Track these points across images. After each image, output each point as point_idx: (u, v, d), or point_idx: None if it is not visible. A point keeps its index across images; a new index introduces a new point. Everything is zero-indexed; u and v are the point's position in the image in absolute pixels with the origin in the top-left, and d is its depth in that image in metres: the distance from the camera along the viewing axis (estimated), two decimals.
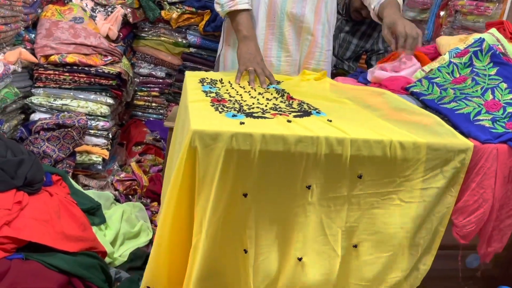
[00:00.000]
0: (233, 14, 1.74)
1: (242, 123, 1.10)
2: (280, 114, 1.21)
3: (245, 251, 1.13)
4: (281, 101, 1.38)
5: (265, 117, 1.18)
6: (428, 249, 1.28)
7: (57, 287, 1.32)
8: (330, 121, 1.19)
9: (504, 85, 1.31)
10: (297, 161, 1.09)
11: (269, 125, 1.12)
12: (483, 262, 1.46)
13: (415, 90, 1.43)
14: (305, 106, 1.34)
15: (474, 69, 1.40)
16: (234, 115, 1.16)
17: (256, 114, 1.19)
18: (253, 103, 1.32)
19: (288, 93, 1.47)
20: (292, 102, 1.37)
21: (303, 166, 1.10)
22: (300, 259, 1.17)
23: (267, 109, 1.26)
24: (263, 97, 1.42)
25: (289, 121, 1.15)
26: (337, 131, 1.13)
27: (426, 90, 1.41)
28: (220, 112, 1.19)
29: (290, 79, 1.72)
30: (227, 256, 1.15)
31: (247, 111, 1.23)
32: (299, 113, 1.24)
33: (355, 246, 1.21)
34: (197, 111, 1.19)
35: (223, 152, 1.04)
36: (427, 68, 1.51)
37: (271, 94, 1.46)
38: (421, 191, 1.20)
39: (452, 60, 1.45)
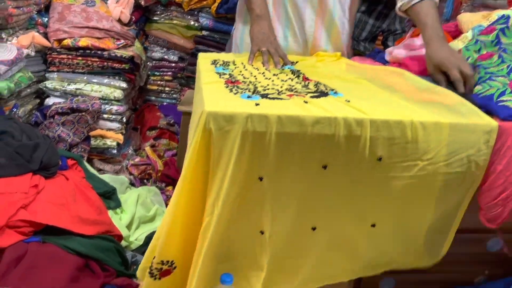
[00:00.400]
0: None
1: (257, 104, 1.07)
2: (297, 95, 1.18)
3: (262, 233, 1.12)
4: (297, 82, 1.35)
5: (281, 98, 1.15)
6: (445, 232, 1.25)
7: (74, 270, 1.32)
8: (348, 101, 1.16)
9: None
10: (314, 143, 1.07)
11: (285, 106, 1.09)
12: (504, 246, 1.43)
13: None
14: (321, 86, 1.30)
15: (501, 45, 1.34)
16: (249, 96, 1.13)
17: (271, 95, 1.16)
18: (268, 84, 1.29)
19: (303, 74, 1.43)
20: (308, 83, 1.34)
21: (320, 148, 1.07)
22: (314, 229, 1.16)
23: (282, 90, 1.23)
24: (278, 78, 1.39)
25: (305, 102, 1.12)
26: (356, 111, 1.09)
27: None
28: (234, 94, 1.16)
29: (305, 60, 1.68)
30: (242, 238, 1.14)
31: (262, 92, 1.20)
32: (315, 94, 1.21)
33: (373, 225, 1.18)
34: (211, 92, 1.17)
35: (239, 134, 1.02)
36: (452, 45, 1.45)
37: (286, 75, 1.42)
38: (444, 175, 1.16)
39: (477, 38, 1.39)
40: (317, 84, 1.33)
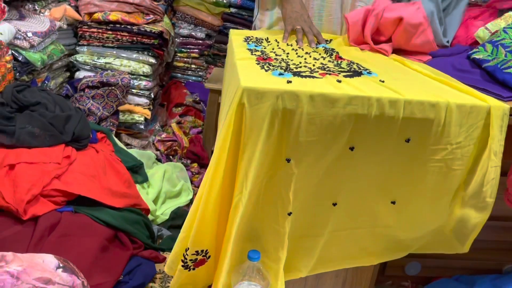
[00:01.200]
0: None
1: (289, 81, 1.05)
2: (329, 74, 1.15)
3: (289, 214, 1.12)
4: (329, 61, 1.32)
5: (313, 77, 1.12)
6: (477, 208, 1.20)
7: (104, 240, 1.35)
8: (383, 81, 1.13)
9: None
10: (344, 123, 1.04)
11: (318, 84, 1.06)
12: None
13: (477, 57, 1.31)
14: (354, 66, 1.27)
15: None
16: (280, 74, 1.11)
17: (304, 74, 1.14)
18: (300, 62, 1.27)
19: (337, 53, 1.40)
20: (341, 62, 1.31)
21: (350, 129, 1.05)
22: (335, 204, 1.16)
23: (314, 69, 1.21)
24: (310, 56, 1.36)
25: (339, 81, 1.10)
26: (390, 91, 1.06)
27: (490, 55, 1.29)
28: (266, 71, 1.14)
29: (338, 38, 1.65)
30: (268, 218, 1.14)
31: (294, 70, 1.17)
32: (349, 73, 1.18)
33: (393, 202, 1.17)
34: (245, 68, 1.15)
35: (269, 111, 0.99)
36: (491, 26, 1.39)
37: (319, 53, 1.40)
38: (473, 159, 1.14)
39: None
40: (350, 63, 1.30)
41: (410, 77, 1.25)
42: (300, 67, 1.22)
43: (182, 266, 1.12)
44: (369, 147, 1.08)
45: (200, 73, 3.17)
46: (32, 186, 1.31)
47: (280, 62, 1.24)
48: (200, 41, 3.06)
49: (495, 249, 1.52)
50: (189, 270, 1.13)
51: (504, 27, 1.35)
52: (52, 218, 1.31)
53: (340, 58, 1.36)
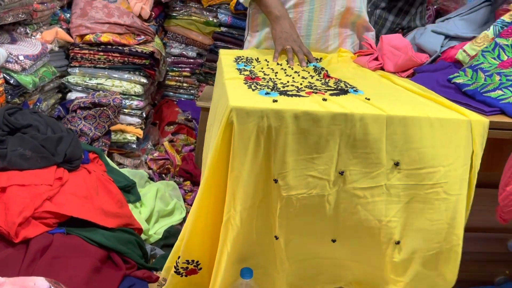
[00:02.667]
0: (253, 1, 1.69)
1: (275, 100, 1.06)
2: (316, 93, 1.17)
3: (276, 238, 1.11)
4: (317, 79, 1.34)
5: (299, 95, 1.14)
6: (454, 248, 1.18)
7: (97, 261, 1.35)
8: (368, 99, 1.14)
9: None
10: (330, 143, 1.04)
11: (303, 103, 1.08)
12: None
13: (457, 81, 1.33)
14: (342, 84, 1.29)
15: None
16: (267, 93, 1.12)
17: (290, 92, 1.15)
18: (288, 81, 1.29)
19: (326, 71, 1.43)
20: (329, 80, 1.33)
21: (337, 149, 1.05)
22: (334, 241, 1.14)
23: (302, 87, 1.23)
24: (299, 75, 1.38)
25: (324, 99, 1.11)
26: (374, 109, 1.07)
27: (470, 79, 1.31)
28: (253, 90, 1.16)
29: (327, 56, 1.68)
30: (260, 239, 1.13)
31: (281, 89, 1.19)
32: (335, 91, 1.20)
33: (398, 242, 1.12)
34: (233, 88, 1.17)
35: (255, 130, 1.00)
36: (469, 49, 1.42)
37: (308, 72, 1.42)
38: (467, 180, 1.13)
39: (498, 41, 1.35)
40: (337, 82, 1.32)
41: (396, 93, 1.27)
42: (288, 86, 1.24)
43: (175, 271, 1.15)
44: (360, 172, 1.07)
45: (192, 91, 3.19)
46: (23, 208, 1.31)
47: (267, 82, 1.26)
48: (192, 60, 3.09)
49: (486, 261, 1.53)
50: (181, 276, 1.15)
51: (482, 51, 1.37)
52: (43, 240, 1.31)
53: (328, 76, 1.38)
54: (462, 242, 1.17)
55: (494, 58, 1.35)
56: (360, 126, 1.03)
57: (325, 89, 1.22)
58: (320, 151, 1.04)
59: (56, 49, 1.99)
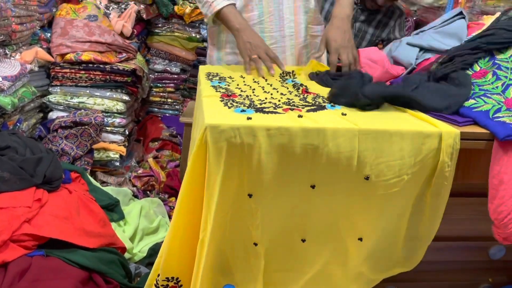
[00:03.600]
0: (218, 16, 1.69)
1: (249, 118, 1.07)
2: (292, 109, 1.18)
3: (255, 244, 1.12)
4: (296, 95, 1.35)
5: (276, 112, 1.15)
6: (425, 237, 1.24)
7: (78, 283, 1.33)
8: (345, 114, 1.16)
9: None
10: (303, 158, 1.06)
11: (278, 119, 1.09)
12: (507, 253, 1.42)
13: None
14: (320, 100, 1.30)
15: (496, 61, 1.32)
16: (243, 110, 1.13)
17: (267, 109, 1.16)
18: (266, 98, 1.30)
19: (305, 86, 1.44)
20: (307, 96, 1.34)
21: (309, 163, 1.06)
22: (303, 241, 1.16)
23: (279, 104, 1.24)
24: (277, 91, 1.39)
25: (300, 116, 1.12)
26: (348, 123, 1.08)
27: None
28: (229, 108, 1.17)
29: (302, 69, 1.69)
30: (238, 252, 1.14)
31: (258, 106, 1.20)
32: (313, 107, 1.21)
33: (360, 239, 1.18)
34: (210, 106, 1.17)
35: (228, 147, 1.01)
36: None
37: (287, 88, 1.43)
38: (422, 184, 1.15)
39: None
40: (315, 97, 1.33)
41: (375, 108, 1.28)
42: (265, 103, 1.24)
43: None
44: (331, 186, 1.09)
45: (176, 106, 3.20)
46: (1, 232, 1.29)
47: (244, 99, 1.27)
48: (175, 76, 3.10)
49: (469, 270, 1.54)
50: None
51: None
52: (22, 264, 1.29)
53: (307, 92, 1.39)
54: (421, 240, 1.23)
55: (468, 69, 1.38)
56: (333, 141, 1.04)
57: (302, 105, 1.23)
58: (293, 166, 1.06)
59: (36, 69, 1.98)
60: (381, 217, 1.17)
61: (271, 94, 1.35)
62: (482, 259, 1.52)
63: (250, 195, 1.06)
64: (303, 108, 1.20)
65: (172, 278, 1.15)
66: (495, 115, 1.18)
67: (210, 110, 1.12)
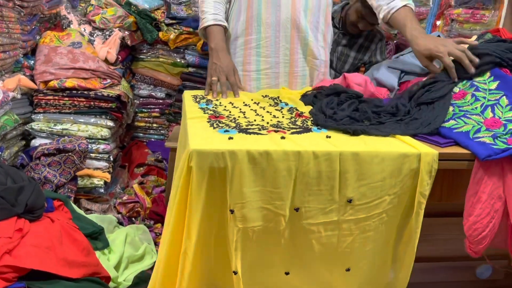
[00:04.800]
0: (205, 33, 1.79)
1: (230, 138, 1.08)
2: (277, 131, 1.19)
3: (235, 273, 1.11)
4: (287, 118, 1.36)
5: (259, 133, 1.16)
6: (406, 260, 1.23)
7: None
8: (329, 137, 1.17)
9: (505, 101, 1.27)
10: (285, 180, 1.06)
11: (259, 141, 1.10)
12: (495, 273, 1.43)
13: None
14: (309, 122, 1.31)
15: (474, 83, 1.36)
16: (226, 131, 1.15)
17: (251, 130, 1.17)
18: (255, 120, 1.31)
19: (299, 111, 1.44)
20: (298, 119, 1.35)
21: (292, 185, 1.07)
22: (287, 274, 1.15)
23: (266, 126, 1.25)
24: (270, 114, 1.40)
25: (283, 137, 1.13)
26: (330, 146, 1.09)
27: None
28: (214, 128, 1.18)
29: (290, 95, 1.71)
30: (219, 271, 1.14)
31: (243, 127, 1.21)
32: (298, 130, 1.22)
33: (348, 270, 1.18)
34: (195, 128, 1.18)
35: (209, 171, 1.03)
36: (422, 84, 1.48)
37: (281, 112, 1.44)
38: (407, 204, 1.17)
39: None
40: (305, 120, 1.34)
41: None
42: (252, 124, 1.25)
43: None
44: (313, 208, 1.10)
45: (162, 131, 3.18)
46: None
47: (231, 121, 1.28)
48: (161, 101, 3.10)
49: None
50: None
51: None
52: None
53: (300, 115, 1.40)
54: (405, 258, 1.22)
55: None
56: (314, 163, 1.06)
57: (289, 128, 1.24)
58: (275, 187, 1.06)
59: (19, 96, 1.96)
60: (368, 244, 1.17)
61: (262, 116, 1.36)
62: (469, 279, 1.53)
63: (231, 211, 1.06)
64: (289, 130, 1.21)
65: None
66: (475, 135, 1.21)
67: (194, 133, 1.13)
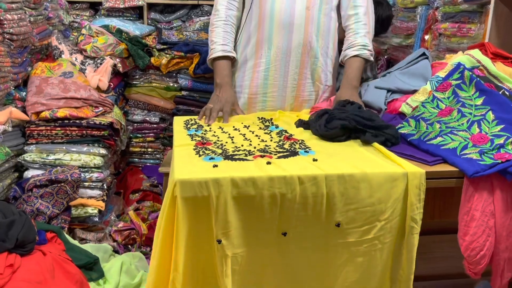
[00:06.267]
0: (212, 64, 1.84)
1: (215, 165, 1.08)
2: (263, 156, 1.18)
3: None
4: (275, 141, 1.36)
5: (245, 159, 1.15)
6: (405, 282, 1.21)
7: None
8: (316, 160, 1.16)
9: (492, 116, 1.27)
10: (271, 205, 1.06)
11: (244, 168, 1.09)
12: None
13: (403, 132, 1.39)
14: (297, 146, 1.31)
15: (460, 99, 1.37)
16: (211, 158, 1.14)
17: (236, 157, 1.17)
18: (242, 145, 1.30)
19: (288, 134, 1.44)
20: (286, 142, 1.35)
21: (278, 211, 1.06)
22: None
23: (253, 151, 1.24)
24: (259, 138, 1.40)
25: (268, 163, 1.12)
26: (316, 169, 1.09)
27: (414, 129, 1.38)
28: (199, 156, 1.18)
29: (283, 115, 1.71)
30: None
31: (230, 153, 1.21)
32: (285, 153, 1.22)
33: None
34: (180, 157, 1.18)
35: (193, 200, 1.03)
36: (411, 101, 1.49)
37: (270, 135, 1.44)
38: (399, 228, 1.16)
39: (435, 94, 1.42)
40: (293, 143, 1.33)
41: (346, 150, 1.29)
42: (239, 150, 1.25)
43: None
44: (301, 232, 1.09)
45: (157, 155, 3.18)
46: None
47: (218, 147, 1.28)
48: (155, 125, 3.11)
49: None
50: None
51: (422, 102, 1.44)
52: None
53: (288, 138, 1.39)
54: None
55: (434, 108, 1.41)
56: (300, 189, 1.05)
57: (276, 152, 1.24)
58: (261, 213, 1.06)
59: (10, 129, 1.96)
60: (360, 270, 1.15)
61: (250, 141, 1.35)
62: None
63: (219, 241, 1.06)
64: (275, 154, 1.20)
65: None
66: (462, 152, 1.21)
67: (180, 162, 1.13)
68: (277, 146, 1.31)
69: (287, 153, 1.23)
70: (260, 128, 1.54)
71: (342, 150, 1.30)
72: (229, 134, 1.45)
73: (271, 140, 1.38)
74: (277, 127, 1.55)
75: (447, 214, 1.32)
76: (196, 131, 1.49)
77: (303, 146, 1.30)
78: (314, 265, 1.13)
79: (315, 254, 1.12)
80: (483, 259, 1.19)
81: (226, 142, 1.34)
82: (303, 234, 1.09)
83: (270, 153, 1.22)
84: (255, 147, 1.29)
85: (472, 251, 1.19)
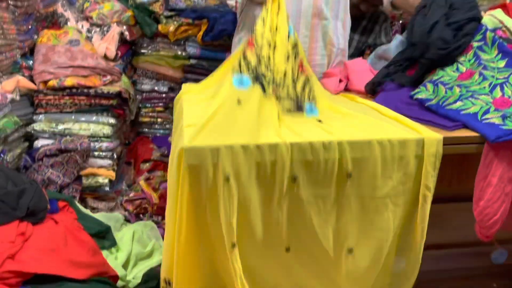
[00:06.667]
0: None
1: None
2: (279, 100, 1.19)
3: (233, 246, 1.08)
4: (289, 74, 1.28)
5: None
6: (414, 251, 1.20)
7: None
8: (320, 121, 1.16)
9: None
10: (283, 154, 1.04)
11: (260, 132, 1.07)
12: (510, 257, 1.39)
13: (419, 97, 1.34)
14: (305, 93, 1.26)
15: (481, 61, 1.30)
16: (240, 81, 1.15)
17: (262, 81, 1.17)
18: (277, 77, 1.24)
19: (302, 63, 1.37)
20: (300, 77, 1.28)
21: (289, 159, 1.05)
22: (288, 250, 1.13)
23: (280, 82, 1.21)
24: (285, 75, 1.32)
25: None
26: (326, 134, 1.09)
27: (432, 94, 1.32)
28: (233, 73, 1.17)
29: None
30: (218, 251, 1.12)
31: (260, 75, 1.18)
32: (293, 104, 1.20)
33: (350, 250, 1.15)
34: (190, 106, 1.15)
35: (207, 167, 1.02)
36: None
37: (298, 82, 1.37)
38: (413, 193, 1.14)
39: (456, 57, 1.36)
40: (305, 83, 1.28)
41: (352, 116, 1.25)
42: (266, 76, 1.21)
43: None
44: (312, 180, 1.07)
45: (167, 126, 3.15)
46: None
47: (255, 61, 1.21)
48: (164, 95, 3.06)
49: (472, 276, 1.50)
50: None
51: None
52: None
53: (301, 66, 1.32)
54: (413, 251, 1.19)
55: (454, 71, 1.35)
56: (311, 151, 1.04)
57: (285, 97, 1.21)
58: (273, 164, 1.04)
59: (18, 98, 1.94)
60: (371, 227, 1.14)
61: (282, 79, 1.27)
62: (484, 264, 1.48)
63: (227, 178, 1.04)
64: (283, 101, 1.18)
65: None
66: (484, 117, 1.16)
67: (192, 131, 1.10)
68: (290, 85, 1.25)
69: (294, 103, 1.21)
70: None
71: (352, 116, 1.26)
72: (268, 67, 1.37)
73: (294, 88, 1.31)
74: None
75: (465, 181, 1.28)
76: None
77: (310, 97, 1.26)
78: (323, 216, 1.11)
79: (326, 204, 1.11)
80: (496, 224, 1.17)
81: (267, 65, 1.27)
82: (313, 181, 1.08)
83: (284, 98, 1.20)
84: (279, 78, 1.23)
85: (485, 216, 1.17)
